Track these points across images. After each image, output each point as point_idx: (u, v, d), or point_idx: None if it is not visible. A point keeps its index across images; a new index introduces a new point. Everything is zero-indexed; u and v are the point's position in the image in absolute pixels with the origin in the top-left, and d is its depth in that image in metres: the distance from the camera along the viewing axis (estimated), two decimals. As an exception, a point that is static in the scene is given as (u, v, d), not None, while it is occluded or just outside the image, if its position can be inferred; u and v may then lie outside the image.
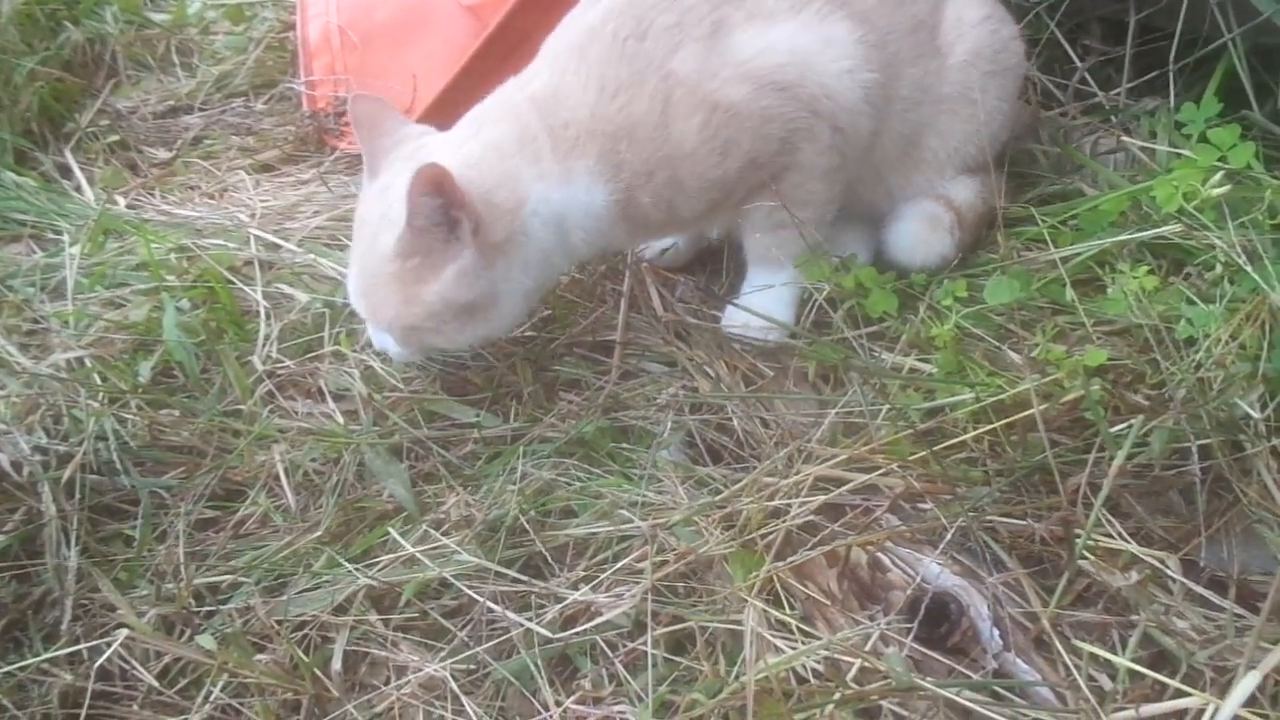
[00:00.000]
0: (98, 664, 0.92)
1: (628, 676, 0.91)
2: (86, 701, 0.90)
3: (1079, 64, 1.47)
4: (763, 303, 1.26)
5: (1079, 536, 0.88)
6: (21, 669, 0.93)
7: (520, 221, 1.10)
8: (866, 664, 0.83)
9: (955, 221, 1.30)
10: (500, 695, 0.95)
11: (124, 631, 0.93)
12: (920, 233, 1.30)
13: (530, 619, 0.97)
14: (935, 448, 0.96)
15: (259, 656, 0.96)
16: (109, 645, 0.93)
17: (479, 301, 1.11)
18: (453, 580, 1.01)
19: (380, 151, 1.16)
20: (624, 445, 1.15)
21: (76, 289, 1.40)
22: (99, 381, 1.21)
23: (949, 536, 0.89)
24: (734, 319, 1.27)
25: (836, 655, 0.83)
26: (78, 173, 1.71)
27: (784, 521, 0.97)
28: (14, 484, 1.04)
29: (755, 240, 1.26)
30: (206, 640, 0.93)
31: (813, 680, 0.85)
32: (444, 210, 1.05)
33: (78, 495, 1.06)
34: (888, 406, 1.03)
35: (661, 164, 1.13)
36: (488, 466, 1.17)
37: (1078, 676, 0.80)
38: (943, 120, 1.29)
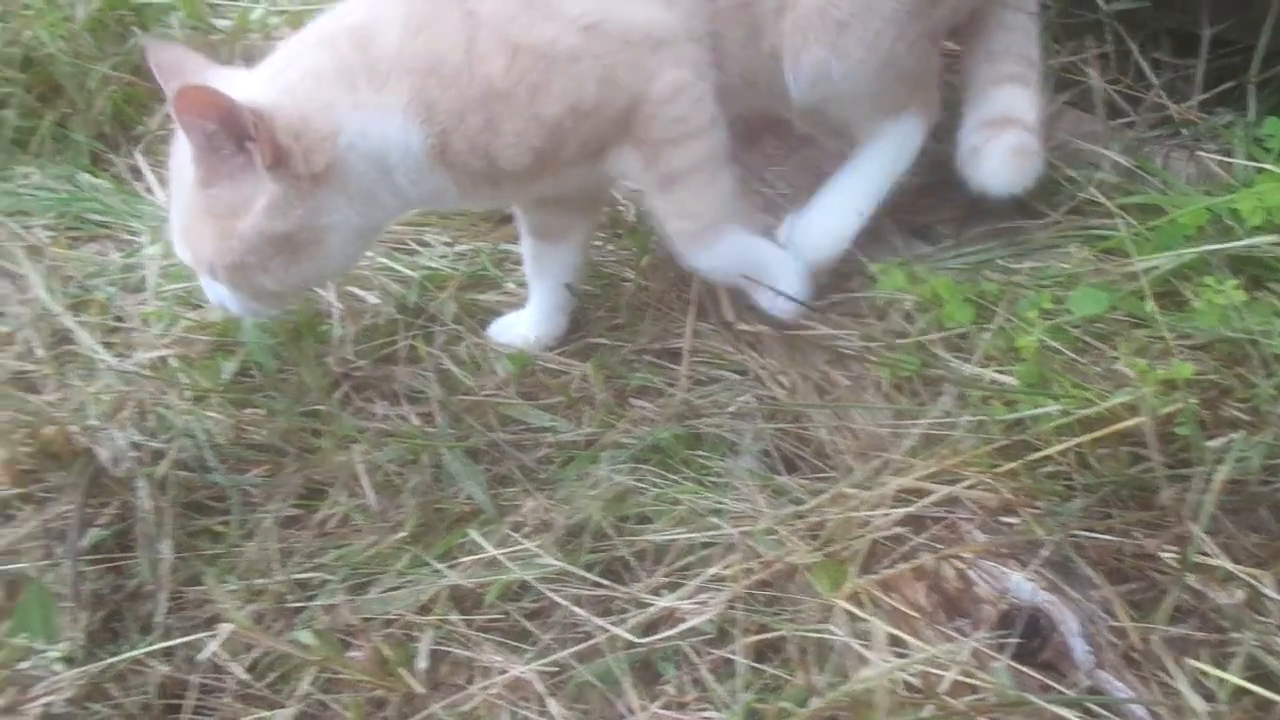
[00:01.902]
0: (202, 656, 0.94)
1: (713, 682, 0.92)
2: (193, 694, 0.93)
3: (1153, 78, 1.46)
4: (745, 272, 1.22)
5: (1182, 554, 0.88)
6: (124, 660, 0.95)
7: (338, 152, 1.06)
8: (960, 677, 0.83)
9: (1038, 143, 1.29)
10: (582, 699, 0.96)
11: (228, 626, 0.95)
12: (1012, 163, 1.29)
13: (613, 623, 0.98)
14: (1020, 461, 0.96)
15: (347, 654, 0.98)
16: (211, 639, 0.95)
17: (299, 235, 1.07)
18: (534, 583, 1.02)
19: None
20: (699, 452, 1.16)
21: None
22: (184, 380, 1.24)
23: (1045, 552, 0.89)
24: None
25: (929, 668, 0.83)
26: (149, 175, 1.74)
27: (868, 533, 0.97)
28: (111, 479, 1.07)
29: (660, 213, 1.20)
30: (306, 635, 0.95)
31: (903, 692, 0.85)
32: (227, 137, 1.02)
33: (170, 491, 1.08)
34: (972, 418, 1.03)
35: (472, 105, 1.08)
36: (561, 471, 1.18)
37: (1186, 693, 0.79)
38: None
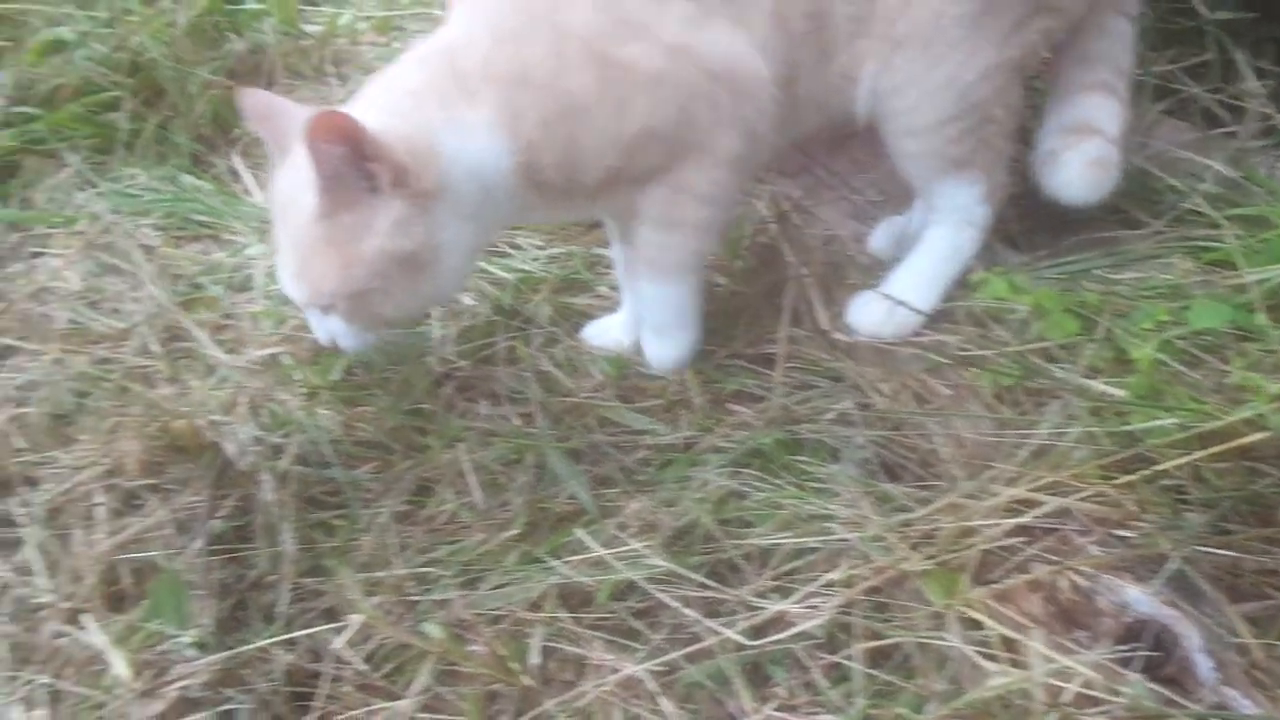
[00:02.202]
0: (335, 645, 0.97)
1: (827, 686, 0.93)
2: (325, 684, 0.96)
3: (1258, 87, 1.44)
4: (658, 320, 1.27)
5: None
6: (254, 648, 0.99)
7: (443, 168, 1.07)
8: (1082, 690, 0.83)
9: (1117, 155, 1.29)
10: (690, 699, 0.98)
11: (358, 617, 0.98)
12: (1088, 176, 1.30)
13: (722, 625, 0.99)
14: (1139, 474, 0.96)
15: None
16: (342, 629, 0.98)
17: (421, 253, 1.07)
18: (643, 584, 1.04)
19: (283, 133, 1.12)
20: (800, 458, 1.17)
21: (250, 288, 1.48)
22: (296, 377, 1.28)
23: (1171, 566, 0.89)
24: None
25: (1053, 680, 0.84)
26: (246, 176, 1.80)
27: (979, 543, 0.97)
28: (235, 472, 1.10)
29: (643, 238, 1.22)
30: (432, 628, 0.98)
31: (1020, 703, 0.85)
32: (353, 161, 1.02)
33: (291, 485, 1.12)
34: (1082, 429, 1.03)
35: (558, 117, 1.10)
36: (660, 473, 1.19)
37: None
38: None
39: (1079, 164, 1.31)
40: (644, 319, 1.30)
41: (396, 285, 1.07)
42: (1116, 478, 0.99)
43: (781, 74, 1.18)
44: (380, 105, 1.10)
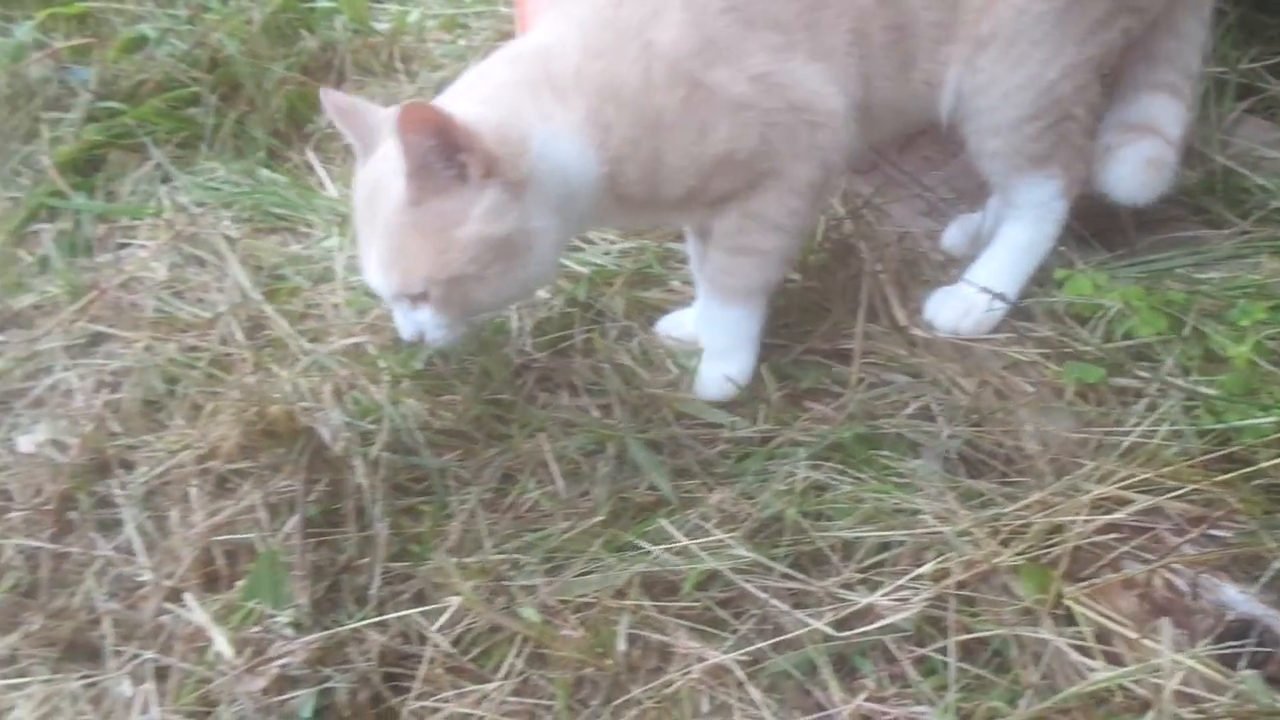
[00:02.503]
0: (434, 627, 0.99)
1: (918, 678, 0.93)
2: (423, 665, 0.98)
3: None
4: (713, 345, 1.27)
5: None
6: (349, 628, 1.01)
7: (533, 160, 1.09)
8: (1181, 687, 0.82)
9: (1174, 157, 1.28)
10: (776, 689, 0.98)
11: (455, 599, 1.00)
12: (1142, 176, 1.29)
13: (809, 616, 1.00)
14: (1237, 473, 0.95)
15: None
16: (436, 611, 1.00)
17: (515, 238, 1.08)
18: (728, 573, 1.05)
19: (367, 130, 1.15)
20: (881, 452, 1.17)
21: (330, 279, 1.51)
22: (381, 365, 1.30)
23: (1276, 565, 0.88)
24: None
25: (1151, 676, 0.84)
26: (320, 170, 1.83)
27: (1070, 539, 0.97)
28: (327, 458, 1.13)
29: (712, 260, 1.25)
30: (529, 612, 1.00)
31: (1120, 699, 0.85)
32: (441, 151, 1.03)
33: (381, 471, 1.14)
34: (1171, 428, 1.02)
35: (646, 133, 1.12)
36: (738, 466, 1.20)
37: None
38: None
39: (1135, 162, 1.31)
40: (703, 340, 1.30)
41: (491, 271, 1.08)
42: (1211, 476, 0.98)
43: (859, 93, 1.19)
44: (472, 96, 1.13)
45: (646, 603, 1.05)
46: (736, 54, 1.13)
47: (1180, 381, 1.10)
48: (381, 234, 1.10)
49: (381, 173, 1.10)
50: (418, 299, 1.12)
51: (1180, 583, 0.93)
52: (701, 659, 0.99)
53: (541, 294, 1.46)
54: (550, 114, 1.11)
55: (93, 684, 1.04)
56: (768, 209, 1.20)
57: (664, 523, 1.11)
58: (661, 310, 1.43)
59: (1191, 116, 1.35)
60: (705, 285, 1.30)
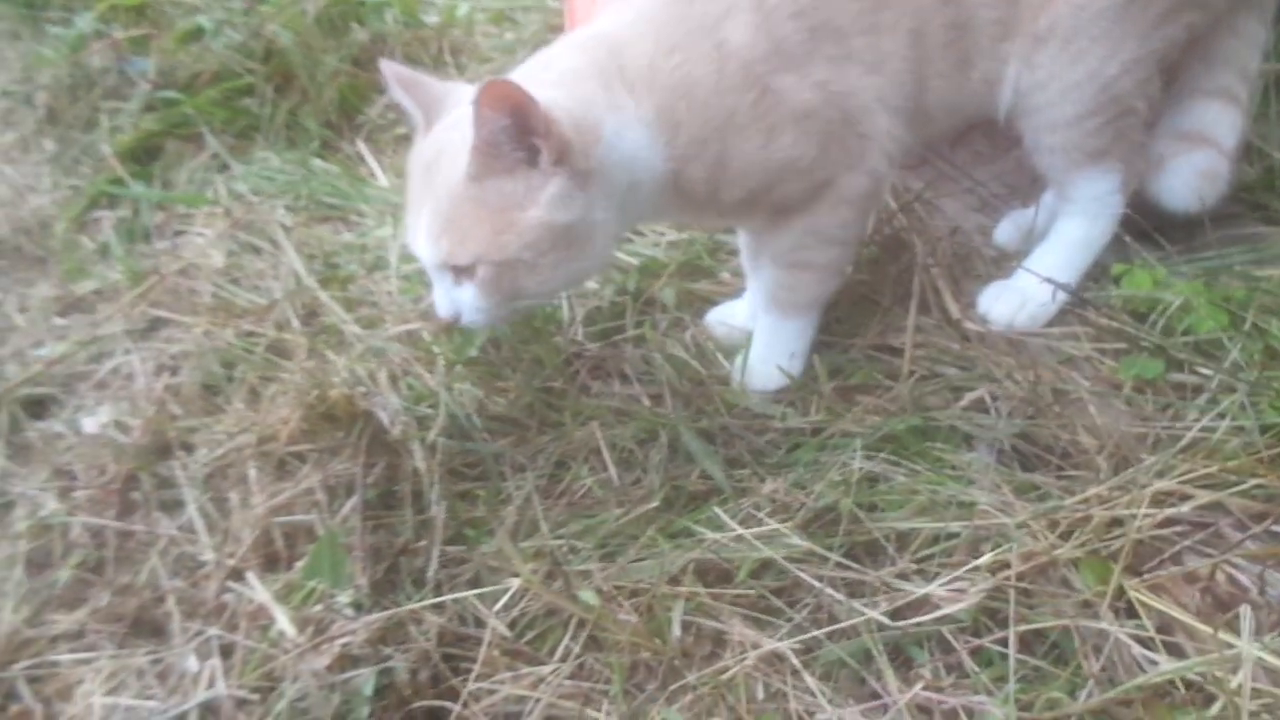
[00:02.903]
0: (494, 609, 1.01)
1: (975, 668, 0.93)
2: (483, 646, 0.99)
3: None
4: (766, 351, 1.27)
5: None
6: (406, 609, 1.03)
7: (602, 150, 1.07)
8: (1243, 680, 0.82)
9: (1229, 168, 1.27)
10: (831, 677, 0.99)
11: (515, 580, 1.02)
12: (1194, 186, 1.28)
13: (864, 606, 1.00)
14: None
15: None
16: (493, 594, 1.01)
17: (577, 228, 1.06)
18: (783, 562, 1.05)
19: (432, 101, 1.13)
20: (935, 444, 1.17)
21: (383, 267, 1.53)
22: (437, 351, 1.32)
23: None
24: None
25: (1215, 669, 0.83)
26: (371, 161, 1.86)
27: (1129, 533, 0.96)
28: (384, 442, 1.15)
29: (770, 277, 1.26)
30: (589, 595, 1.01)
31: (1183, 693, 0.84)
32: (515, 133, 1.01)
33: (438, 455, 1.16)
34: (1234, 423, 1.01)
35: (715, 134, 1.11)
36: (789, 456, 1.21)
37: None
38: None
39: (1187, 173, 1.30)
40: (755, 342, 1.30)
41: (545, 259, 1.06)
42: (1275, 471, 0.97)
43: (913, 96, 1.18)
44: (543, 80, 1.10)
45: (700, 590, 1.06)
46: (801, 61, 1.13)
47: (1245, 376, 1.09)
48: (437, 201, 1.07)
49: (447, 142, 1.08)
50: (461, 274, 1.09)
51: (1244, 578, 0.92)
52: (756, 646, 1.00)
53: (591, 284, 1.47)
54: (621, 105, 1.09)
55: (158, 659, 1.07)
56: (822, 222, 1.21)
57: (718, 510, 1.12)
58: (711, 302, 1.43)
59: (1248, 122, 1.33)
60: (763, 300, 1.30)
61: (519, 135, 1.02)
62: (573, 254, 1.08)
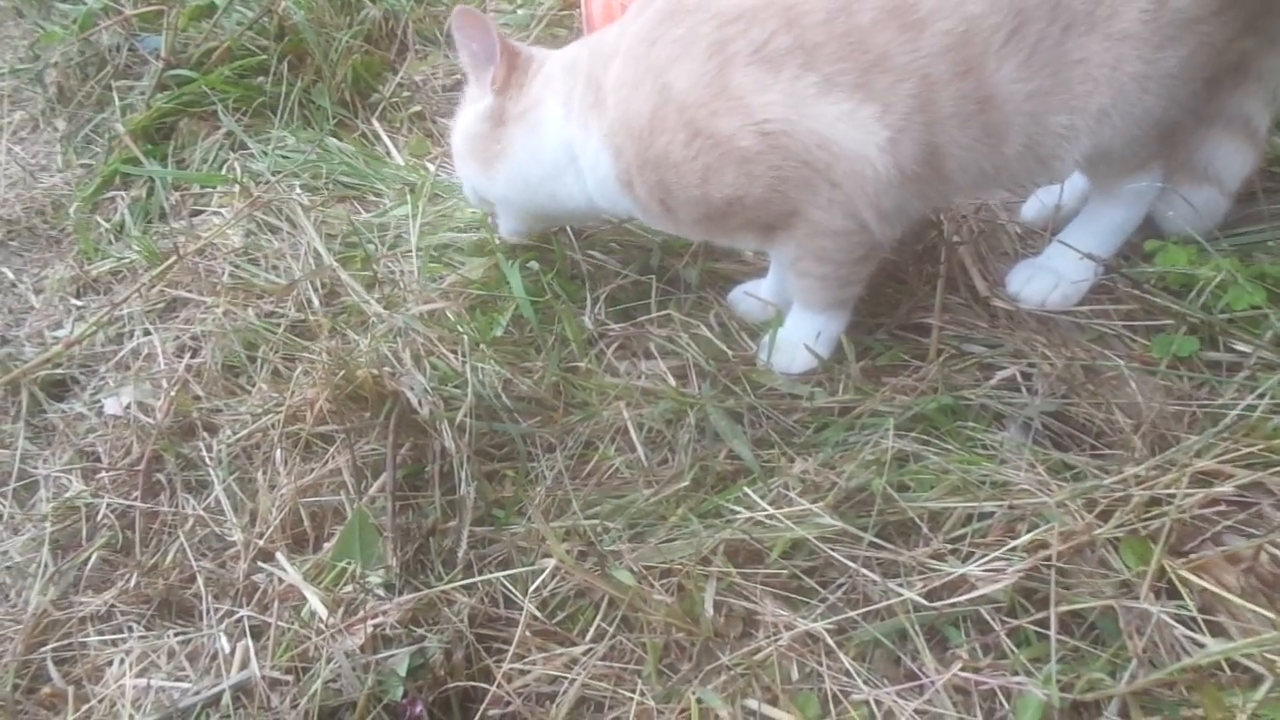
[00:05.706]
0: (531, 590, 1.00)
1: (1013, 648, 0.93)
2: (518, 627, 0.98)
3: None
4: (794, 333, 1.27)
5: None
6: (438, 590, 1.02)
7: (535, 114, 1.24)
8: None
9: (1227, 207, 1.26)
10: (866, 658, 0.98)
11: (550, 560, 1.01)
12: (1189, 219, 1.26)
13: (899, 586, 0.99)
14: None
15: (639, 598, 1.02)
16: (526, 573, 1.01)
17: (487, 145, 1.27)
18: (815, 542, 1.05)
19: (482, 51, 1.28)
20: (966, 424, 1.16)
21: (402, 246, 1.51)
22: (461, 330, 1.31)
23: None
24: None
25: (1266, 651, 0.82)
26: (385, 139, 1.84)
27: (1170, 513, 0.95)
28: (412, 422, 1.14)
29: (790, 283, 1.27)
30: (624, 575, 1.00)
31: (1228, 674, 0.84)
32: (481, 56, 1.25)
33: (466, 436, 1.15)
34: (1271, 400, 1.00)
35: (649, 165, 1.15)
36: (817, 436, 1.20)
37: None
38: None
39: (1182, 208, 1.28)
40: (785, 323, 1.29)
41: (473, 163, 1.30)
42: (1318, 451, 0.96)
43: (920, 160, 1.10)
44: (545, 51, 1.29)
45: (732, 570, 1.06)
46: (750, 104, 1.08)
47: (1271, 356, 1.07)
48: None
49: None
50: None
51: (1285, 557, 0.91)
52: (790, 626, 0.99)
53: (612, 264, 1.46)
54: (572, 103, 1.21)
55: (187, 640, 1.06)
56: (805, 245, 1.19)
57: (748, 490, 1.11)
58: (735, 280, 1.42)
59: (1260, 155, 1.29)
60: (789, 290, 1.30)
61: (477, 53, 1.26)
62: (490, 170, 1.28)
